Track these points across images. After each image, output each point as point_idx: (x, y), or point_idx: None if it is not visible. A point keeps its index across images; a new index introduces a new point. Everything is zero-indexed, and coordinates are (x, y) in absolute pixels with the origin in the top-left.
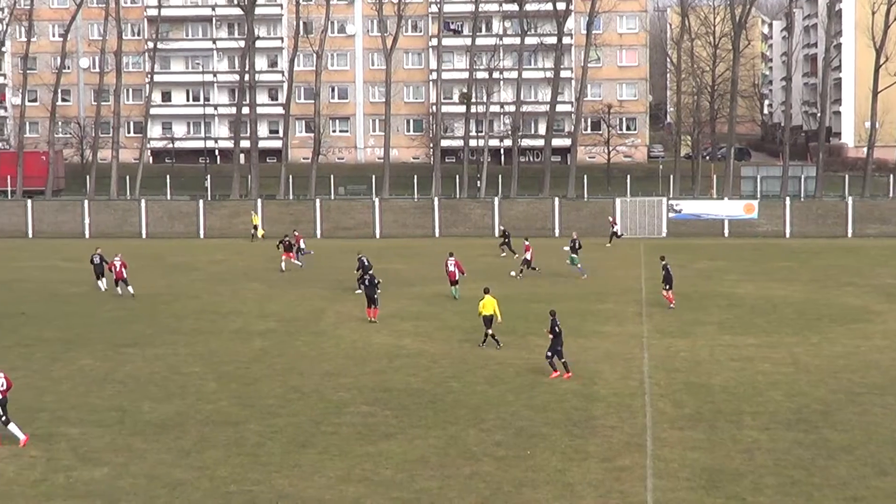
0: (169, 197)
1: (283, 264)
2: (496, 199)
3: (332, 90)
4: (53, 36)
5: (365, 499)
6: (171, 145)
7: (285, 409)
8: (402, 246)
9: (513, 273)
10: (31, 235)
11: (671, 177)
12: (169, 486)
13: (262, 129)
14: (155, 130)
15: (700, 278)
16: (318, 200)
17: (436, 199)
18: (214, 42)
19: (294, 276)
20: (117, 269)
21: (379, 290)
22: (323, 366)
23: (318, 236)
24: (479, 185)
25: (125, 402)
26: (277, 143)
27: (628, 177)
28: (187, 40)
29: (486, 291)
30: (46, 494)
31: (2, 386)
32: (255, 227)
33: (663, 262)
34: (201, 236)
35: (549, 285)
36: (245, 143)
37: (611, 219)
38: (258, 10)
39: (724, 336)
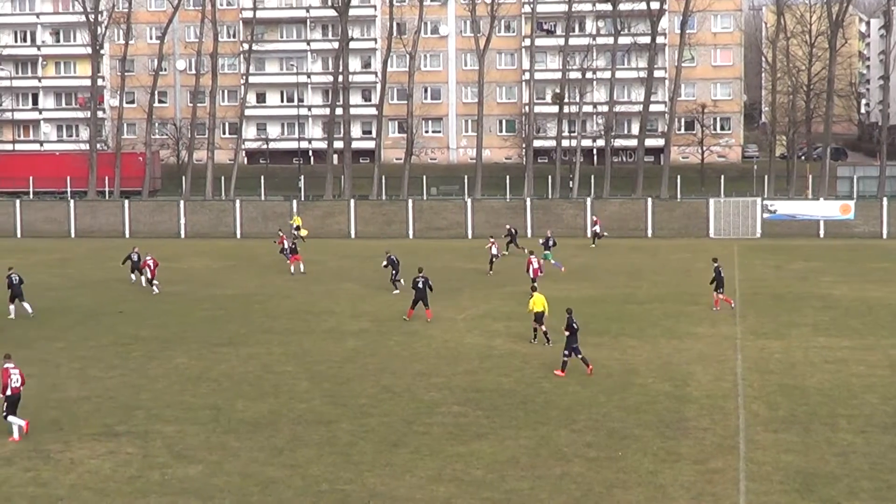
0: (263, 197)
1: (291, 267)
2: (588, 200)
3: (425, 91)
4: (151, 38)
5: (456, 499)
6: (265, 146)
7: (377, 409)
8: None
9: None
10: (128, 235)
11: (766, 177)
12: (262, 485)
13: (356, 130)
14: (250, 131)
15: (795, 279)
16: (410, 201)
17: (528, 200)
18: (308, 43)
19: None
20: (152, 269)
21: (431, 292)
22: (415, 366)
23: (411, 237)
24: (571, 185)
25: (219, 400)
26: (370, 144)
27: (722, 177)
28: (282, 42)
29: (534, 290)
30: (142, 491)
31: (16, 383)
32: (298, 228)
33: (715, 265)
34: None
35: (647, 286)
36: (338, 144)
37: (594, 218)
38: (352, 12)
39: (819, 338)
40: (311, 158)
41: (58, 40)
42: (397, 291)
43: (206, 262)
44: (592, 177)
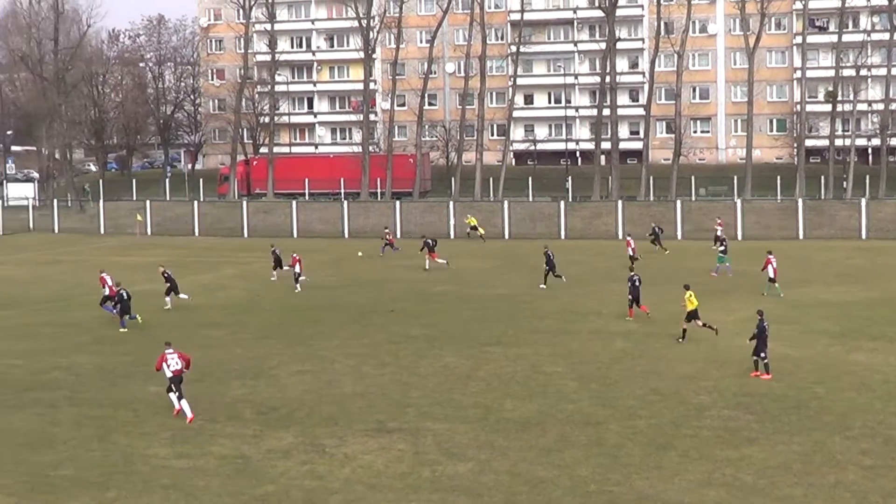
0: (531, 198)
1: (427, 263)
2: (863, 201)
3: (694, 90)
4: (420, 42)
5: None
6: (532, 147)
7: (645, 411)
8: (764, 247)
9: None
10: (399, 235)
11: None
12: (530, 484)
13: (623, 131)
14: (517, 133)
15: None
16: (678, 202)
17: (800, 201)
18: (576, 44)
19: (653, 276)
20: (300, 265)
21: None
22: (683, 368)
23: (679, 237)
24: (845, 185)
25: (488, 399)
26: (638, 145)
27: None
28: (549, 43)
29: (687, 288)
30: (413, 487)
31: (177, 365)
32: (475, 228)
33: None
34: (562, 237)
35: None
36: (606, 145)
37: (718, 220)
38: (619, 12)
39: None
40: (579, 159)
41: (332, 46)
42: (543, 286)
43: (475, 263)
44: (867, 177)
